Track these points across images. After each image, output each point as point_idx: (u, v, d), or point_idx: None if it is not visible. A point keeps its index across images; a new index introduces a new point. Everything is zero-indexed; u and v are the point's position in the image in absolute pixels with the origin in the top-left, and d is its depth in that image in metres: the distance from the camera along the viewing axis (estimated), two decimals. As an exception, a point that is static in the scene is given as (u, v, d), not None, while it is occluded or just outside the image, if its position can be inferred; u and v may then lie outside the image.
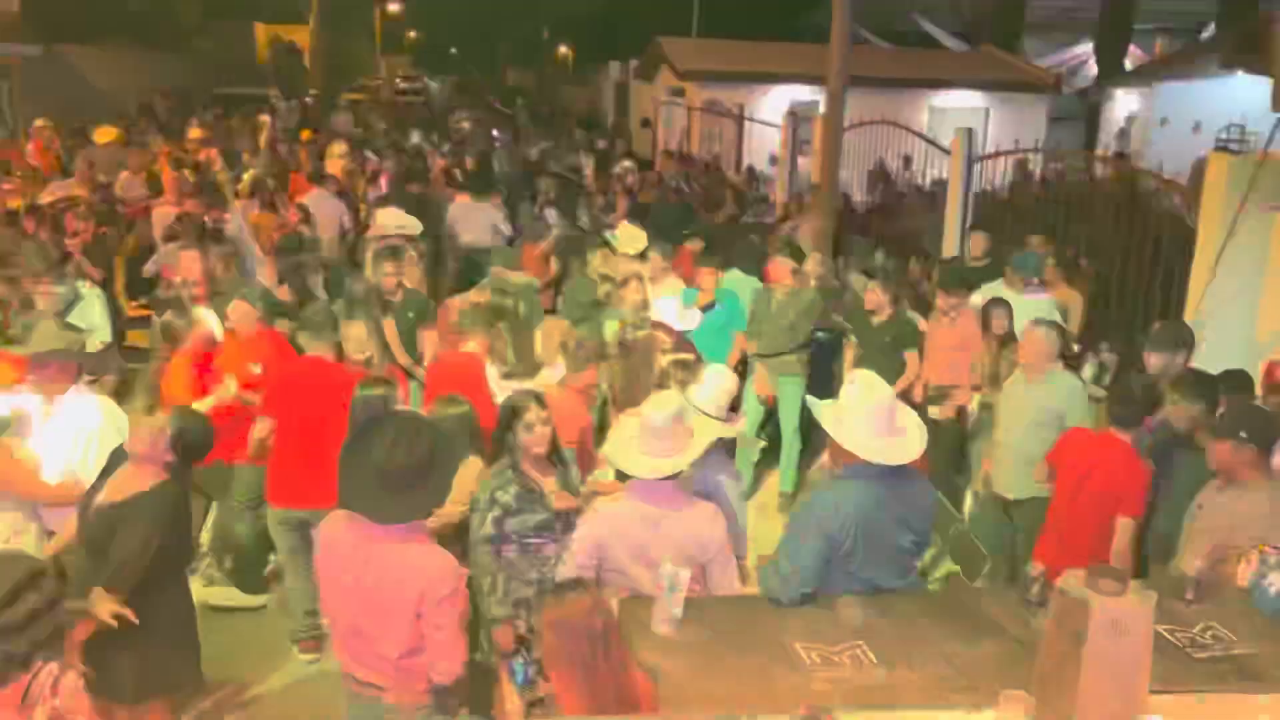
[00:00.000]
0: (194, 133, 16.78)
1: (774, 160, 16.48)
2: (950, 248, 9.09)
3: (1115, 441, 4.68)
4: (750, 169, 16.07)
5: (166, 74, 29.65)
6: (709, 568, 3.56)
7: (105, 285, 8.01)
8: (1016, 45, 22.06)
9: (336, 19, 54.22)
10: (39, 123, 16.36)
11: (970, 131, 8.81)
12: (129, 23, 30.06)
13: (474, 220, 10.28)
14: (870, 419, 3.50)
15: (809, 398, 3.83)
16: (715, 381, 4.23)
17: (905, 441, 3.54)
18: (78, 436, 4.48)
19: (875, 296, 6.61)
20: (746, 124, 16.83)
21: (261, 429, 5.06)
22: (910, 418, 3.64)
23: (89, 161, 12.47)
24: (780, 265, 7.20)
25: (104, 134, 14.63)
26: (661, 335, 5.78)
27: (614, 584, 3.29)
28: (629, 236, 8.27)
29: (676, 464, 3.62)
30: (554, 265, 9.52)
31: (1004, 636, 3.28)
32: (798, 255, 7.51)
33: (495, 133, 21.75)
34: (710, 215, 12.56)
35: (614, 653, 2.67)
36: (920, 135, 10.90)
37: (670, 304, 7.23)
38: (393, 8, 60.52)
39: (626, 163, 16.84)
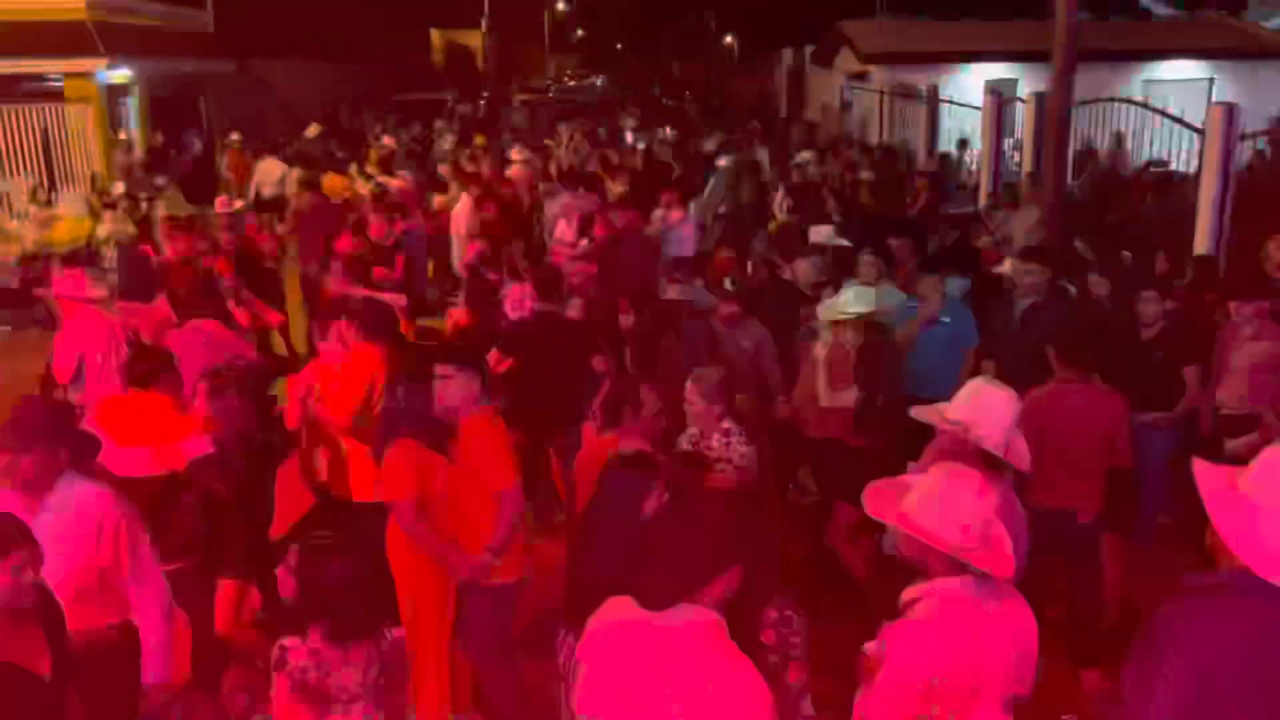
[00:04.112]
0: (387, 139, 17.07)
1: (963, 144, 15.25)
2: (1202, 241, 7.88)
3: None
4: (945, 155, 14.94)
5: (349, 83, 30.62)
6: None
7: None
8: (1241, 8, 19.92)
9: (508, 21, 55.30)
10: (233, 136, 16.97)
11: (1232, 106, 7.58)
12: (313, 36, 31.18)
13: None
14: None
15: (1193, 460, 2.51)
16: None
17: None
18: None
19: (1149, 307, 5.52)
20: (939, 107, 15.64)
21: None
22: None
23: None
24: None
25: (313, 129, 18.02)
26: None
27: None
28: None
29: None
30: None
31: None
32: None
33: (666, 129, 21.23)
34: (902, 206, 11.61)
35: None
36: (1162, 113, 9.57)
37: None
38: (560, 7, 61.22)
39: (806, 154, 15.96)
